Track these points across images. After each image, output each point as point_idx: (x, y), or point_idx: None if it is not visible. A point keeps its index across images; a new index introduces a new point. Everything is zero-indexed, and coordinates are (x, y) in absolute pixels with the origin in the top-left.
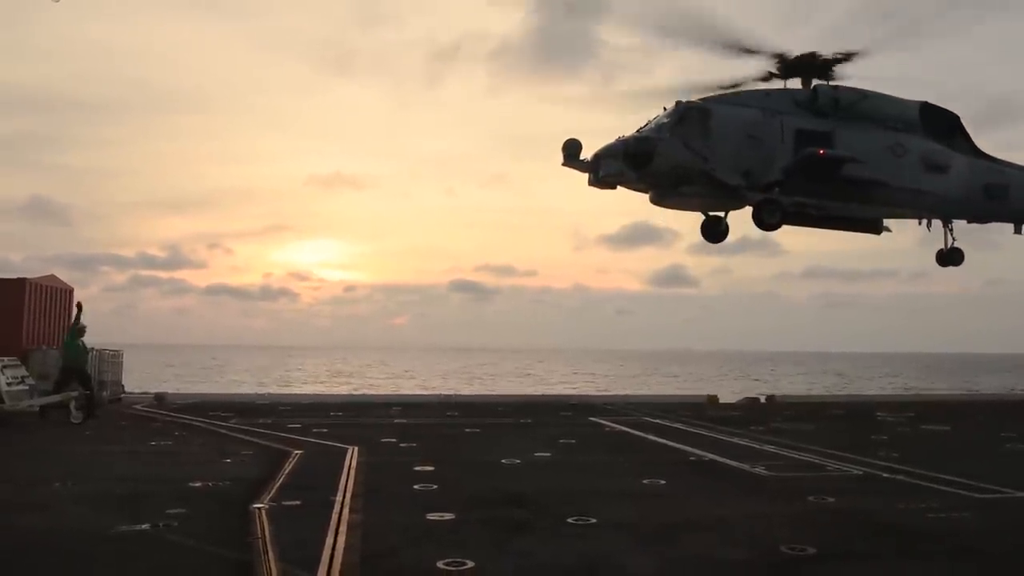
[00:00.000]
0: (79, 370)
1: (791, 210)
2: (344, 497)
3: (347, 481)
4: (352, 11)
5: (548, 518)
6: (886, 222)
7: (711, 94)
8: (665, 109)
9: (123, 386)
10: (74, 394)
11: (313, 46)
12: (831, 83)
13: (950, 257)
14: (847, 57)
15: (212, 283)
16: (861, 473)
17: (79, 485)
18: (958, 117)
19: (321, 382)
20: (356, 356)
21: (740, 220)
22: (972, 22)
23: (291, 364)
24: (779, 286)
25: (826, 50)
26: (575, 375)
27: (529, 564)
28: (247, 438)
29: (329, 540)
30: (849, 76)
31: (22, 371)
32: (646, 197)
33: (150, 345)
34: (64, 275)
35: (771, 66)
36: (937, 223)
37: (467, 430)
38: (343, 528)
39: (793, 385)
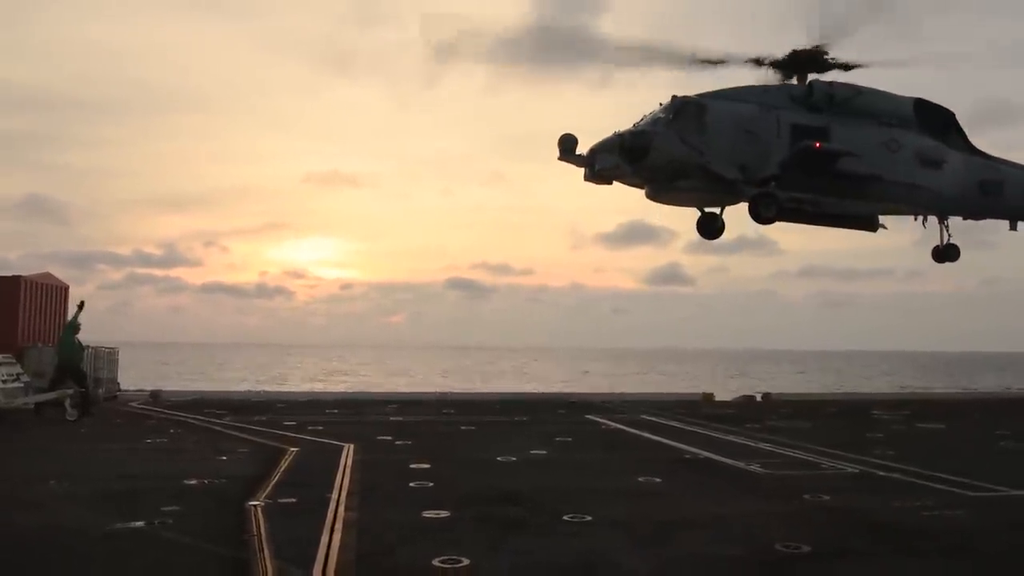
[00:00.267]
0: (74, 368)
1: (787, 206)
2: (340, 495)
3: (343, 479)
4: (351, 10)
5: (544, 516)
6: (882, 219)
7: (707, 90)
8: (661, 104)
9: (119, 383)
10: (69, 392)
11: (312, 45)
12: (826, 79)
13: (946, 253)
14: (843, 55)
15: (208, 281)
16: (856, 471)
17: (74, 483)
18: (953, 114)
19: (317, 380)
20: (352, 354)
21: (736, 219)
22: (972, 23)
23: (288, 362)
24: (776, 285)
25: (822, 47)
26: (571, 373)
27: (525, 562)
28: (242, 436)
29: (325, 538)
30: (844, 73)
31: (17, 368)
32: (643, 195)
33: (146, 343)
34: (60, 273)
35: (769, 54)
36: (932, 220)
37: (463, 428)
38: (339, 526)
39: (789, 383)
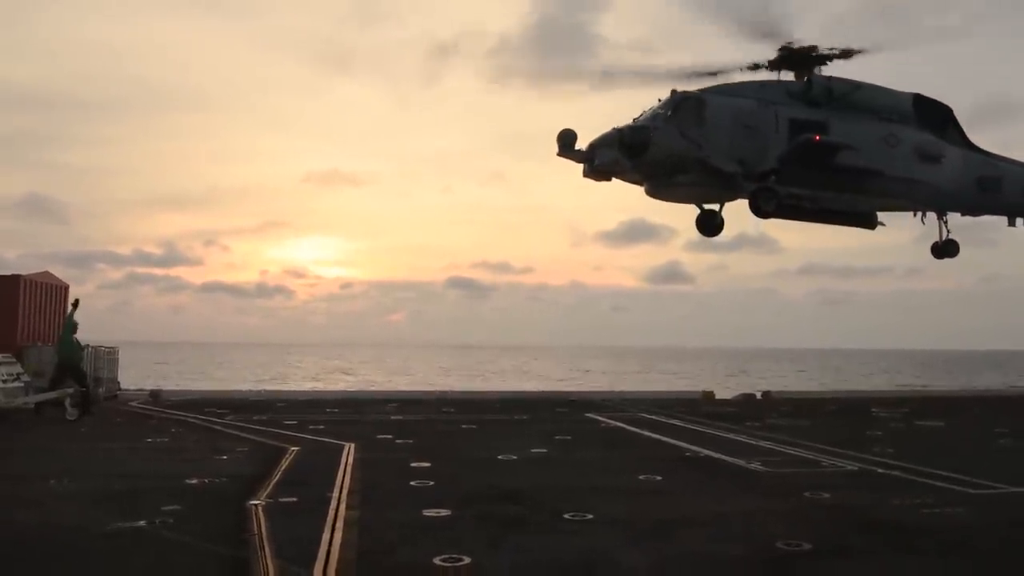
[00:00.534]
0: (74, 367)
1: (787, 202)
2: (340, 494)
3: (343, 478)
4: (351, 9)
5: (544, 514)
6: (880, 217)
7: (704, 83)
8: (660, 99)
9: (119, 383)
10: (69, 391)
11: (312, 44)
12: (824, 75)
13: (945, 249)
14: (846, 53)
15: (208, 280)
16: (856, 469)
17: (74, 482)
18: (951, 109)
19: (317, 379)
20: (352, 353)
21: (737, 217)
22: (971, 21)
23: (288, 361)
24: (776, 283)
25: (822, 43)
26: (571, 371)
27: (525, 560)
28: (243, 435)
29: (326, 536)
30: (843, 69)
31: (17, 368)
32: (643, 193)
33: (146, 342)
34: (60, 272)
35: (765, 56)
36: (931, 216)
37: (463, 426)
38: (340, 524)
39: (789, 381)
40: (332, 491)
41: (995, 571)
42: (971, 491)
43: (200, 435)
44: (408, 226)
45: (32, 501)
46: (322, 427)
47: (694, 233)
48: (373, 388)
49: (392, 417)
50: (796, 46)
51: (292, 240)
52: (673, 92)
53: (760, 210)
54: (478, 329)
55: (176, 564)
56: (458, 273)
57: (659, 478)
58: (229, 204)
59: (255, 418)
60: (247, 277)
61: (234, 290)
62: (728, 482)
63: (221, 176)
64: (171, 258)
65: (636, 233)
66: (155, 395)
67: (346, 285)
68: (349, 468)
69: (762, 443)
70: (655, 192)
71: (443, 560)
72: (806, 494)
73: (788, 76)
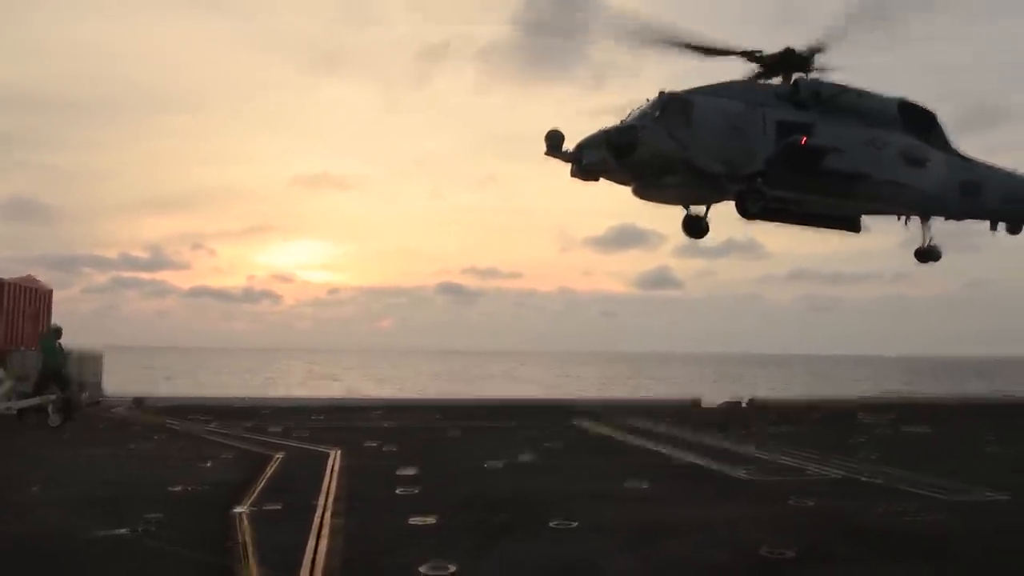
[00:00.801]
0: (57, 372)
1: (773, 205)
2: (326, 501)
3: (329, 485)
4: (341, 10)
5: (531, 521)
6: (865, 221)
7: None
8: (648, 100)
9: (103, 388)
10: (52, 397)
11: (302, 45)
12: (812, 77)
13: (928, 254)
14: (829, 54)
15: (195, 285)
16: (841, 476)
17: (57, 489)
18: (935, 114)
19: (303, 385)
20: (339, 359)
21: (725, 223)
22: (959, 25)
23: (274, 367)
24: (764, 288)
25: (810, 47)
26: (559, 378)
27: (512, 568)
28: (227, 441)
29: (311, 544)
30: (830, 72)
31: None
32: (633, 200)
33: (131, 347)
34: (44, 276)
35: (752, 61)
36: (915, 221)
37: (450, 433)
38: (325, 532)
39: (775, 388)
40: (317, 498)
41: None
42: (956, 498)
43: (184, 442)
44: (397, 230)
45: (13, 508)
46: (307, 434)
47: (683, 238)
48: (359, 394)
49: (378, 424)
50: (771, 53)
51: (279, 244)
52: (661, 93)
53: (747, 212)
54: (466, 335)
55: (159, 572)
56: (447, 278)
57: (645, 485)
58: (216, 207)
59: (240, 424)
60: (234, 281)
61: (220, 294)
62: (713, 489)
63: (208, 179)
64: (157, 262)
65: (625, 238)
66: (139, 401)
67: (333, 290)
68: (334, 475)
69: (747, 450)
70: (642, 193)
71: (429, 568)
72: (791, 501)
73: (775, 78)
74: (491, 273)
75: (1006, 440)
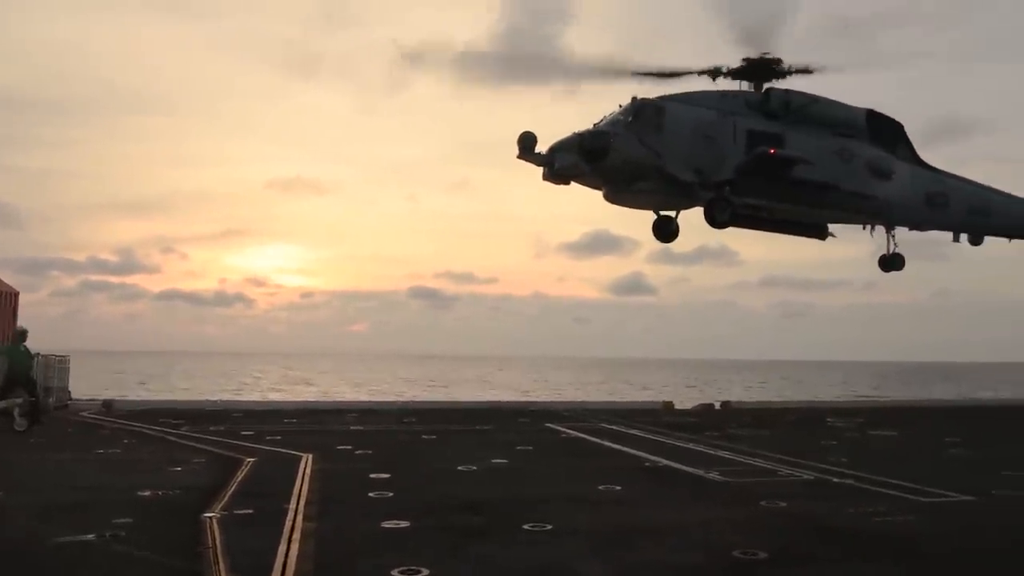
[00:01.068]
0: (23, 376)
1: (742, 211)
2: (298, 505)
3: (301, 489)
4: (317, 14)
5: (504, 525)
6: (831, 228)
7: (664, 84)
8: (620, 106)
9: (70, 392)
10: (18, 401)
11: (277, 49)
12: (782, 87)
13: (892, 262)
14: (805, 70)
15: (165, 288)
16: (812, 478)
17: (23, 494)
18: (902, 126)
19: (276, 389)
20: (312, 363)
21: (697, 230)
22: (925, 41)
23: (247, 371)
24: (736, 295)
25: (781, 56)
26: (533, 382)
27: (485, 571)
28: (198, 446)
29: (282, 549)
30: (800, 82)
31: None
32: (608, 206)
33: (100, 351)
34: (12, 279)
35: (727, 64)
36: (880, 229)
37: (424, 437)
38: (296, 537)
39: (748, 392)
40: (289, 503)
41: None
42: (923, 499)
43: (154, 446)
44: (371, 235)
45: None
46: (280, 438)
47: (656, 244)
48: (333, 398)
49: (352, 428)
50: (759, 57)
51: (252, 248)
52: (634, 99)
53: (715, 220)
54: (441, 339)
55: None
56: (421, 283)
57: (619, 488)
58: (189, 211)
59: (211, 428)
60: (206, 285)
61: (192, 298)
62: (687, 492)
63: (181, 182)
64: (128, 265)
65: (599, 244)
66: (108, 405)
67: (307, 294)
68: (307, 479)
69: (721, 453)
70: (613, 197)
71: (402, 572)
72: (763, 503)
73: (746, 86)
74: (466, 278)
75: (970, 443)
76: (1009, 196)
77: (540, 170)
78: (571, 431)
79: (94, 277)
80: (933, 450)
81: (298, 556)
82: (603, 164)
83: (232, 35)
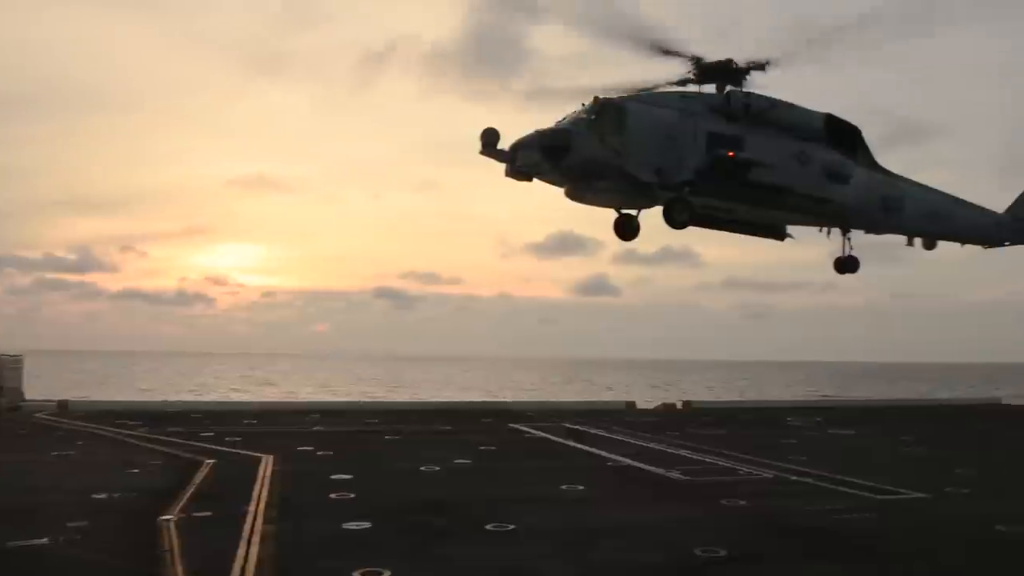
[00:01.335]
0: None
1: (701, 211)
2: (257, 507)
3: (261, 491)
4: (282, 12)
5: (467, 525)
6: (790, 229)
7: (629, 93)
8: (583, 105)
9: (23, 393)
10: None
11: (242, 46)
12: (743, 90)
13: (847, 264)
14: (762, 67)
15: (124, 287)
16: (772, 476)
17: None
18: (859, 130)
19: (237, 389)
20: (274, 363)
21: (661, 232)
22: (883, 44)
23: (207, 371)
24: (699, 296)
25: (743, 59)
26: (497, 382)
27: (447, 572)
28: (156, 447)
29: (241, 552)
30: (762, 86)
31: None
32: (573, 206)
33: (56, 351)
34: None
35: (688, 70)
36: (836, 232)
37: (387, 437)
38: (256, 539)
39: (710, 392)
40: (249, 505)
41: (903, 574)
42: (879, 497)
43: (110, 448)
44: (335, 234)
45: None
46: (240, 439)
47: (621, 245)
48: (295, 398)
49: (313, 428)
50: (709, 60)
51: (214, 246)
52: (596, 98)
53: (674, 221)
54: (405, 339)
55: None
56: (386, 283)
57: (581, 488)
58: (149, 208)
59: (169, 430)
60: (165, 284)
61: (151, 297)
62: (649, 491)
63: (142, 179)
64: (85, 263)
65: (564, 245)
66: (63, 406)
67: (269, 293)
68: (267, 481)
69: (682, 452)
70: (574, 195)
71: (363, 574)
72: (723, 502)
73: (710, 88)
74: (431, 278)
75: (924, 441)
76: (962, 202)
77: (509, 172)
78: (535, 431)
79: (50, 275)
80: (889, 448)
81: (257, 559)
82: (564, 161)
83: (195, 31)
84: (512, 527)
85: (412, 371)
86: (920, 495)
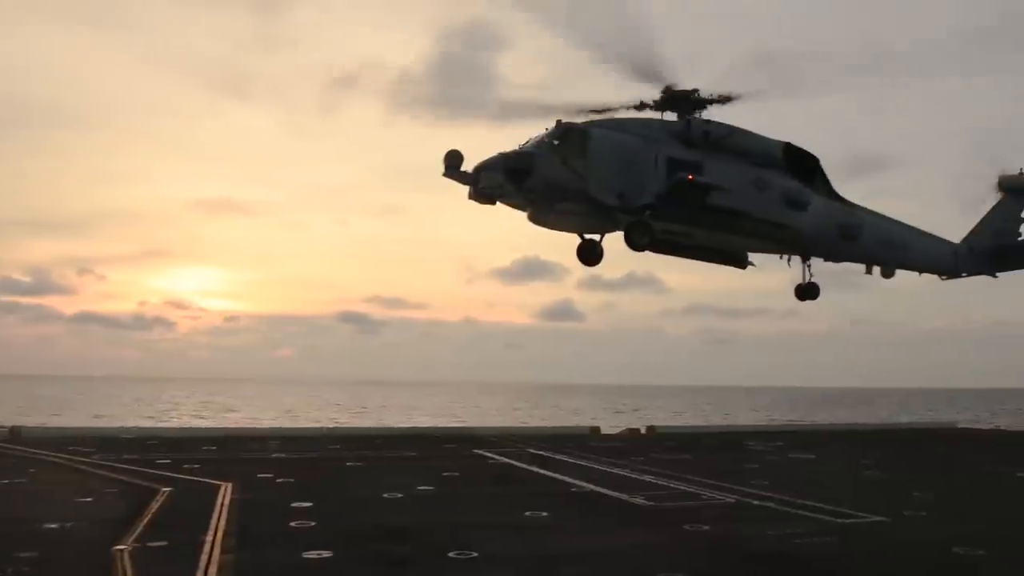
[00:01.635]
0: None
1: (661, 236)
2: (215, 537)
3: (219, 520)
4: (249, 33)
5: (429, 553)
6: (751, 256)
7: (592, 118)
8: (547, 129)
9: None
10: None
11: (207, 67)
12: (703, 118)
13: (807, 291)
14: (727, 100)
15: (81, 310)
16: (734, 501)
17: None
18: (818, 159)
19: (196, 415)
20: (235, 388)
21: (625, 258)
22: (847, 80)
23: (166, 397)
24: (663, 322)
25: (703, 88)
26: (462, 408)
27: None
28: (110, 475)
29: None
30: (723, 115)
31: None
32: (538, 232)
33: (9, 376)
34: None
35: (655, 96)
36: (796, 259)
37: (348, 464)
38: (213, 570)
39: (673, 417)
40: (206, 534)
41: None
42: (839, 520)
43: (63, 475)
44: (300, 258)
45: None
46: (198, 466)
47: (585, 271)
48: (255, 425)
49: (274, 455)
50: (678, 88)
51: (175, 270)
52: (559, 123)
53: (634, 244)
54: (370, 365)
55: None
56: (350, 307)
57: (545, 514)
58: (108, 230)
59: (125, 457)
60: (124, 307)
61: (109, 321)
62: (613, 517)
63: (101, 200)
64: (40, 286)
65: (529, 270)
66: (15, 432)
67: (231, 318)
68: (225, 509)
69: (646, 477)
70: (537, 218)
71: None
72: (686, 527)
73: (671, 116)
74: (396, 303)
75: (883, 465)
76: (919, 232)
77: (468, 192)
78: (499, 457)
79: (4, 298)
80: (849, 472)
81: None
82: (527, 184)
83: (160, 50)
84: (475, 554)
85: (377, 396)
86: (879, 519)
